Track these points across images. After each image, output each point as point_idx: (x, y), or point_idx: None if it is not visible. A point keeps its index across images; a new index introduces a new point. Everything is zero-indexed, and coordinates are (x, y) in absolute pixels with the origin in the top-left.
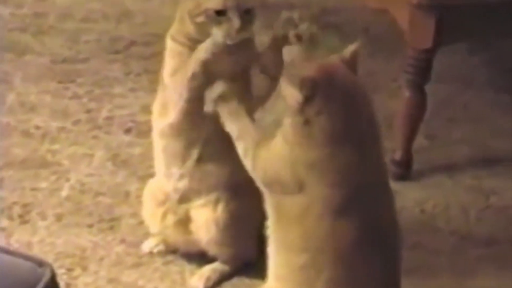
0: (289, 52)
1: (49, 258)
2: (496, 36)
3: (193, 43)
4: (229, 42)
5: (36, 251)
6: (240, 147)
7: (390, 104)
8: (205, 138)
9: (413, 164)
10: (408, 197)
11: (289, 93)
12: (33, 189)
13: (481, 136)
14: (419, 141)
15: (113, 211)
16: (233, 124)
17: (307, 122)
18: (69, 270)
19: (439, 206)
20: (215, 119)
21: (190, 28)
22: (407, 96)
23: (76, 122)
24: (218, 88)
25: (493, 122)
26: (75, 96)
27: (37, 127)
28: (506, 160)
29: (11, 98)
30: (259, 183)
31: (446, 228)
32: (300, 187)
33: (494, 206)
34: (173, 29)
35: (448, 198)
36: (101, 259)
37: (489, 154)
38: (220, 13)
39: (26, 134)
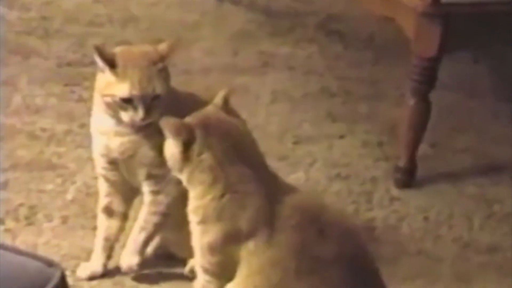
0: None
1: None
2: (500, 45)
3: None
4: (133, 127)
5: (42, 253)
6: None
7: (394, 111)
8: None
9: (417, 171)
10: (411, 205)
11: (169, 148)
12: (39, 191)
13: (485, 144)
14: (423, 149)
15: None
16: None
17: (196, 167)
18: (74, 272)
19: (443, 214)
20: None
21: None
22: (412, 104)
23: (82, 125)
24: None
25: (496, 131)
26: (81, 99)
27: (43, 130)
28: (510, 169)
29: (17, 100)
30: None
31: (449, 235)
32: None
33: (497, 214)
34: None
35: (451, 206)
36: None
37: (492, 162)
38: (126, 100)
39: (32, 136)
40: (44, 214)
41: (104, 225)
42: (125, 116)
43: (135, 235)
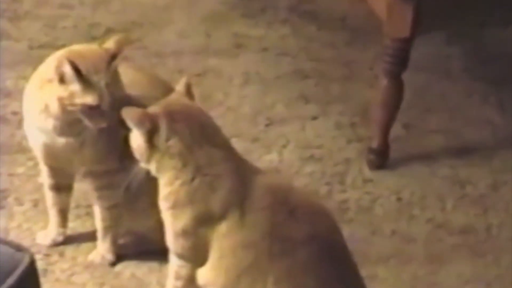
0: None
1: (26, 244)
2: (473, 25)
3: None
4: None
5: (13, 237)
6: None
7: (367, 93)
8: None
9: (390, 152)
10: (384, 186)
11: (135, 139)
12: (10, 175)
13: (458, 125)
14: (396, 130)
15: (90, 197)
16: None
17: (164, 154)
18: (46, 255)
19: (415, 195)
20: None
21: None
22: (384, 85)
23: None
24: None
25: (469, 112)
26: None
27: (14, 113)
28: (482, 150)
29: None
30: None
31: (422, 216)
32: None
33: (470, 195)
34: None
35: (424, 187)
36: (78, 245)
37: (465, 143)
38: (94, 107)
39: (3, 119)
40: (15, 198)
41: (54, 199)
42: (91, 123)
43: (102, 236)
